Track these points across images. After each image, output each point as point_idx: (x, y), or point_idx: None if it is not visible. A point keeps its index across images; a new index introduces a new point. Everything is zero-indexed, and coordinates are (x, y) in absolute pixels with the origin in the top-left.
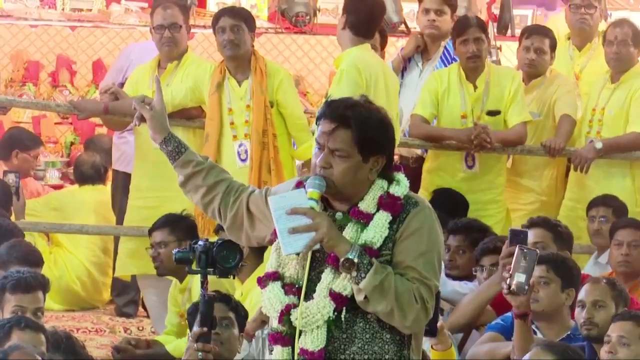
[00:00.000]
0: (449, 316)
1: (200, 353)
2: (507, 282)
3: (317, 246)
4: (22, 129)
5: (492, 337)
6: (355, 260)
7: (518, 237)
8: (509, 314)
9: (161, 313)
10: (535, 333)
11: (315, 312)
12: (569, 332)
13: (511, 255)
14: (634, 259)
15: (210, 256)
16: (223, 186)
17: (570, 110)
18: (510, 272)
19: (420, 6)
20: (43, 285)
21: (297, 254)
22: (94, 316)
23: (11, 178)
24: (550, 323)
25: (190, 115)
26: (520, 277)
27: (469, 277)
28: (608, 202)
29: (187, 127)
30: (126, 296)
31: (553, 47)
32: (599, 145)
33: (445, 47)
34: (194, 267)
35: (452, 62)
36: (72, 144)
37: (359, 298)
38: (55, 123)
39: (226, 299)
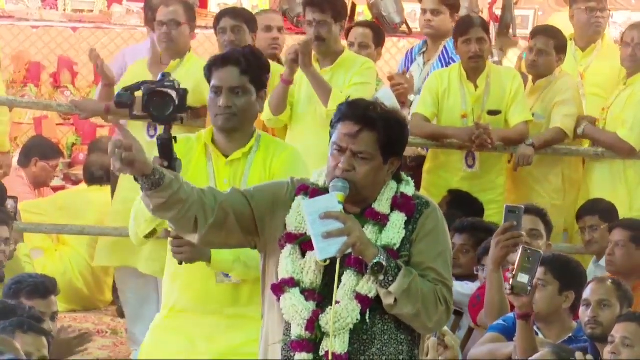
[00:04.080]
0: None
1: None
2: (510, 283)
3: (349, 250)
4: (44, 138)
5: (494, 338)
6: (384, 263)
7: (514, 213)
8: (510, 314)
9: (137, 310)
10: (537, 334)
11: (345, 316)
12: (571, 334)
13: (506, 231)
14: (616, 259)
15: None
16: (195, 194)
17: (565, 123)
18: (514, 273)
19: (421, 6)
20: (55, 288)
21: (329, 259)
22: (96, 317)
23: (10, 204)
24: (548, 325)
25: (198, 114)
26: (523, 278)
27: (471, 277)
28: (592, 209)
29: (190, 127)
30: None
31: (559, 48)
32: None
33: (444, 47)
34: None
35: (450, 62)
36: (73, 145)
37: (388, 301)
38: (57, 124)
39: None
